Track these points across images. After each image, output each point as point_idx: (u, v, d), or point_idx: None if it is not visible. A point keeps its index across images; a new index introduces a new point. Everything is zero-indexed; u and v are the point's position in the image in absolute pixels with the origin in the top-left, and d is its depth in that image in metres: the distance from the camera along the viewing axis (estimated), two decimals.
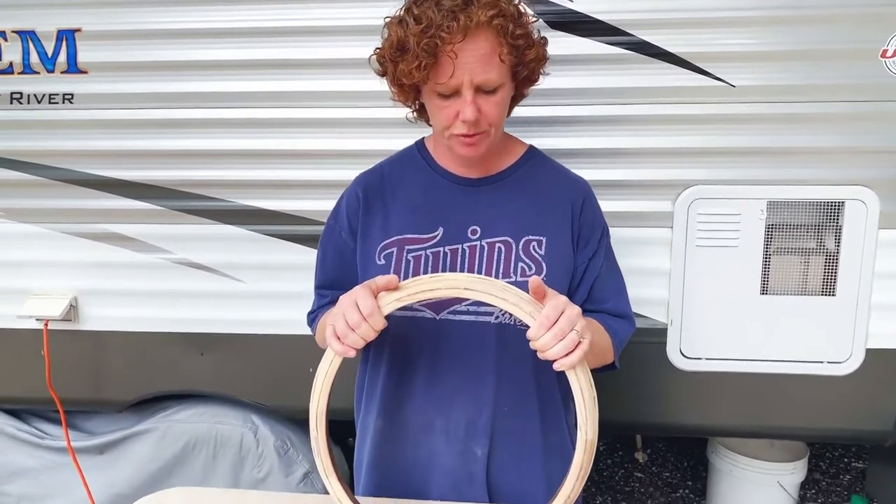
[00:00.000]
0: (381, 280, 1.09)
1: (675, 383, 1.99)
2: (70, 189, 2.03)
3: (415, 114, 1.30)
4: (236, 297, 2.06)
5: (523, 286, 1.14)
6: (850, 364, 1.92)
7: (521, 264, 1.24)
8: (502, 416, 1.27)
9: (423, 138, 1.35)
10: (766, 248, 1.89)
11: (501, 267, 1.24)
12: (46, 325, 2.08)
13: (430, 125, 1.27)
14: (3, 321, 2.13)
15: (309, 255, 1.98)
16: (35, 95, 1.99)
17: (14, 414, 2.29)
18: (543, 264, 1.25)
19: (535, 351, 1.22)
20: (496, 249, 1.25)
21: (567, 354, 1.02)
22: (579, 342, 1.02)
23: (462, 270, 1.25)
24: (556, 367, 1.04)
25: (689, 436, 2.23)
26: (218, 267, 2.05)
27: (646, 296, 1.93)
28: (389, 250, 1.27)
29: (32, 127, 2.01)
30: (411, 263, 1.25)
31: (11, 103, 1.99)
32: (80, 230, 2.06)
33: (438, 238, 1.26)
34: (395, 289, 1.09)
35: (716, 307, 1.93)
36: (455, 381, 1.26)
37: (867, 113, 1.80)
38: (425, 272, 1.24)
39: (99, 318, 2.12)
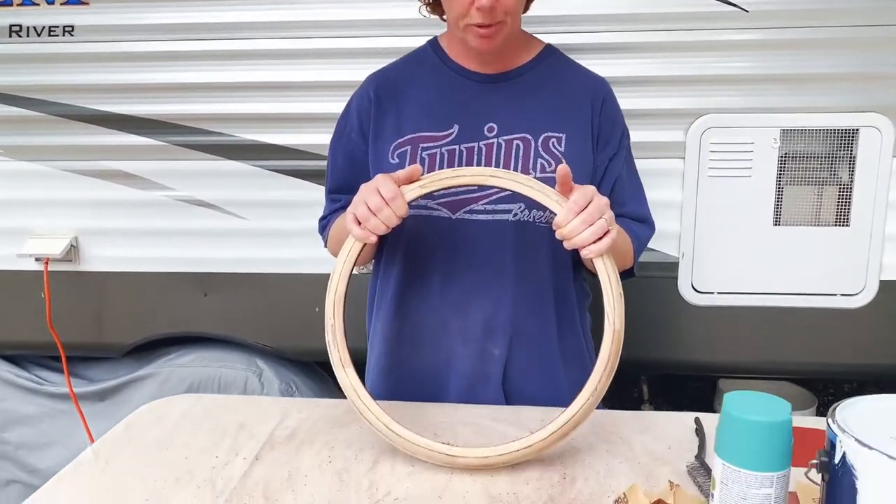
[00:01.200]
0: (402, 172, 1.08)
1: (686, 319, 1.96)
2: (71, 125, 1.99)
3: (428, 7, 1.26)
4: (240, 235, 2.03)
5: (544, 183, 1.11)
6: (864, 296, 1.90)
7: (540, 160, 1.21)
8: (520, 316, 1.24)
9: (437, 36, 1.32)
10: (780, 177, 1.86)
11: (520, 164, 1.21)
12: (47, 264, 2.04)
13: (444, 20, 1.24)
14: (2, 262, 2.09)
15: (314, 192, 1.95)
16: (34, 28, 1.95)
17: (12, 361, 2.25)
18: (564, 161, 1.21)
19: (555, 251, 1.21)
20: (514, 146, 1.22)
21: (595, 242, 1.01)
22: (608, 231, 1.02)
23: (481, 167, 1.22)
24: (584, 253, 1.03)
25: (700, 373, 2.20)
26: (221, 204, 2.02)
27: (657, 229, 1.89)
28: (403, 149, 1.24)
29: (32, 61, 1.97)
30: (426, 162, 1.22)
31: (10, 36, 1.95)
32: (80, 167, 2.02)
33: (454, 136, 1.23)
34: (417, 180, 1.08)
35: (728, 240, 1.90)
36: (472, 281, 1.23)
37: (883, 38, 1.77)
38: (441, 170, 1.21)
39: (100, 258, 2.08)
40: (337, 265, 1.09)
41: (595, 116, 1.25)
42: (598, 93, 1.27)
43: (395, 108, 1.26)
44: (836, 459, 0.68)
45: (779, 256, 1.89)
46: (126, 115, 1.97)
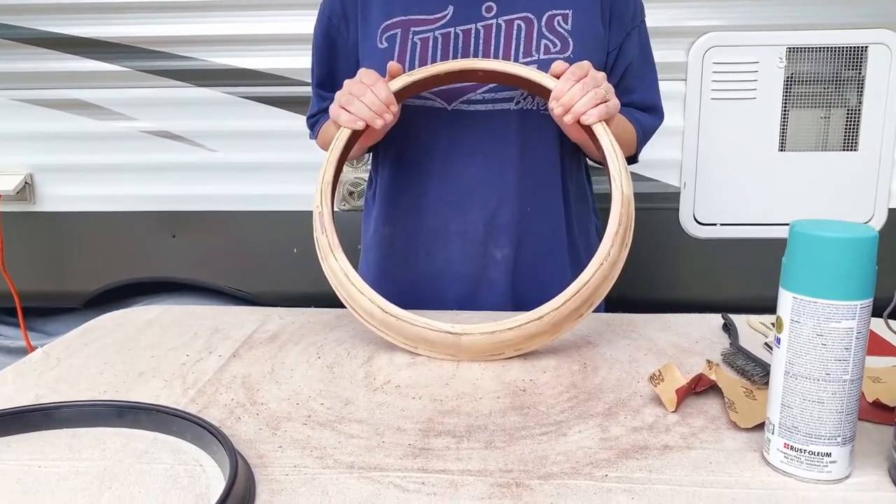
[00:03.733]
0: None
1: (688, 252, 1.86)
2: (22, 49, 1.82)
3: None
4: (210, 169, 1.88)
5: (547, 66, 1.02)
6: (873, 225, 1.81)
7: (544, 41, 1.09)
8: (526, 216, 1.12)
9: None
10: (785, 100, 1.76)
11: (522, 46, 1.09)
12: None
13: None
14: None
15: (291, 120, 1.82)
16: None
17: None
18: (570, 40, 1.09)
19: (562, 142, 1.10)
20: (515, 27, 1.10)
21: (595, 107, 0.95)
22: (606, 99, 0.97)
23: (476, 52, 1.10)
24: (585, 119, 0.96)
25: (703, 311, 2.10)
26: (189, 136, 1.87)
27: (656, 157, 1.79)
28: (392, 32, 1.11)
29: None
30: (418, 46, 1.10)
31: None
32: (34, 97, 1.86)
33: (448, 17, 1.11)
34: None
35: (732, 167, 1.80)
36: (472, 177, 1.11)
37: None
38: (434, 56, 1.10)
39: (57, 197, 1.92)
40: (327, 154, 0.99)
41: None
42: None
43: None
44: None
45: (785, 184, 1.80)
46: (83, 37, 1.81)
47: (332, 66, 1.18)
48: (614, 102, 0.99)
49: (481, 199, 1.12)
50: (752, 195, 1.81)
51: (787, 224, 1.97)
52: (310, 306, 1.15)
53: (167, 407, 0.71)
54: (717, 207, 1.83)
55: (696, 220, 1.84)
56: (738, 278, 1.86)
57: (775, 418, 0.63)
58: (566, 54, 1.08)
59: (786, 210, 1.81)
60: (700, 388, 0.79)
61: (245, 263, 1.93)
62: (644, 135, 1.19)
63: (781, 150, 1.78)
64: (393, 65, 1.03)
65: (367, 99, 0.98)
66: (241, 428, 0.72)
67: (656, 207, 1.82)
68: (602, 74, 0.98)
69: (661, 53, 1.76)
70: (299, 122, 1.65)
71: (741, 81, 1.76)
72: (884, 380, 0.80)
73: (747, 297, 1.90)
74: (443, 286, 1.14)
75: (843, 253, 0.59)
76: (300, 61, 1.78)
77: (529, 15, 1.10)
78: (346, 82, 1.01)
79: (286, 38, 1.78)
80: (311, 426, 0.72)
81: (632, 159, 1.21)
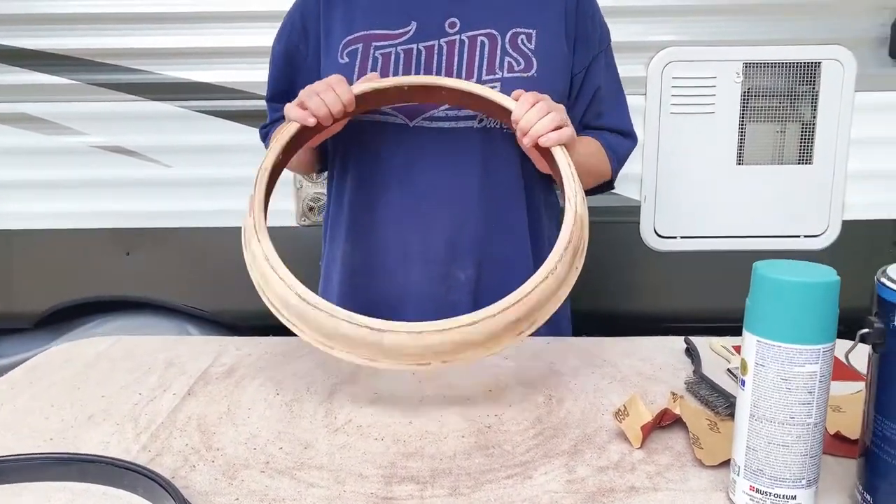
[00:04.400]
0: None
1: (649, 265, 1.87)
2: None
3: None
4: (165, 185, 1.83)
5: (510, 84, 1.02)
6: (827, 237, 1.84)
7: (507, 59, 1.08)
8: (489, 236, 1.10)
9: None
10: (742, 114, 1.79)
11: (485, 63, 1.08)
12: None
13: None
14: None
15: (247, 135, 1.77)
16: None
17: None
18: (534, 60, 1.08)
19: (524, 161, 1.10)
20: (478, 43, 1.09)
21: (554, 131, 0.95)
22: (566, 123, 0.97)
23: (440, 68, 1.09)
24: (543, 142, 0.95)
25: (665, 324, 2.12)
26: (142, 150, 1.82)
27: None
28: (354, 47, 1.09)
29: None
30: (379, 61, 1.08)
31: None
32: None
33: (412, 33, 1.09)
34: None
35: (692, 181, 1.82)
36: (433, 196, 1.09)
37: None
38: (395, 72, 1.08)
39: (4, 214, 1.85)
40: (271, 143, 0.97)
41: (570, 11, 1.12)
42: None
43: (346, 1, 1.11)
44: None
45: (742, 197, 1.82)
46: (29, 49, 1.75)
47: (290, 80, 1.16)
48: (572, 129, 0.98)
49: (443, 219, 1.10)
50: (712, 208, 1.83)
51: (746, 237, 1.99)
52: (268, 326, 1.11)
53: (117, 459, 0.68)
54: (677, 220, 1.84)
55: (656, 232, 1.85)
56: (698, 290, 1.88)
57: (741, 460, 0.63)
58: (530, 73, 1.07)
59: (744, 222, 1.84)
60: (665, 422, 0.79)
61: (202, 281, 1.89)
62: (619, 160, 1.19)
63: (739, 164, 1.81)
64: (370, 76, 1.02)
65: (329, 98, 0.96)
66: (195, 478, 0.69)
67: (617, 221, 1.83)
68: (560, 106, 0.98)
69: (622, 68, 1.76)
70: (256, 135, 1.60)
71: (699, 96, 1.78)
72: (844, 409, 0.80)
73: (707, 309, 1.92)
74: (404, 308, 1.12)
75: (806, 297, 0.59)
76: (256, 75, 1.73)
77: (493, 31, 1.09)
78: (311, 85, 0.99)
79: (242, 52, 1.75)
80: (269, 474, 0.70)
81: (608, 185, 1.21)
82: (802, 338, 0.59)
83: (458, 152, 1.09)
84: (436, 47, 1.09)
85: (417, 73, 1.08)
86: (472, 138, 1.09)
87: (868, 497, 0.61)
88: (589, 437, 0.78)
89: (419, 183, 1.09)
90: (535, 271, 1.14)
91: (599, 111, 1.17)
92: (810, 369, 0.59)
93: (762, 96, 1.78)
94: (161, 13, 1.74)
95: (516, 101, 0.97)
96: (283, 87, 1.16)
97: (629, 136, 1.21)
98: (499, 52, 1.08)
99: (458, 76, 1.07)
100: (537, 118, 0.94)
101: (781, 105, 1.79)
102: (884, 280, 0.59)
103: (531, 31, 1.10)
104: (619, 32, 1.74)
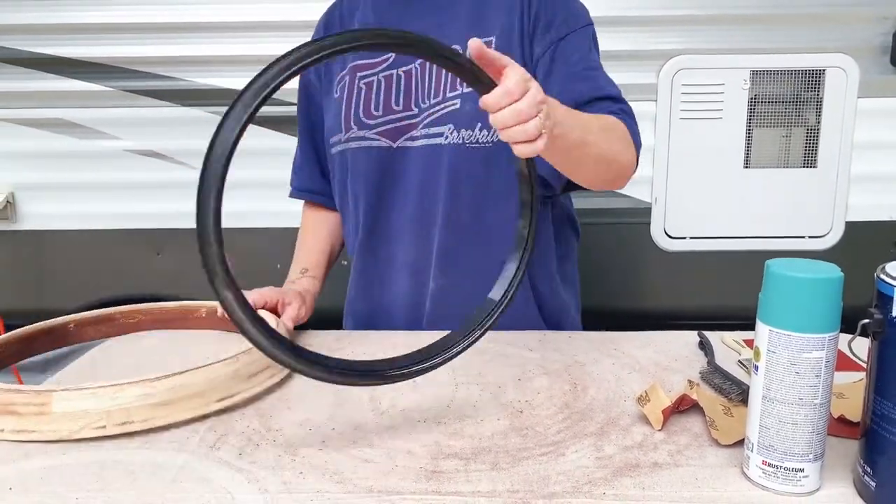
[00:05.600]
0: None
1: (660, 265, 1.94)
2: (6, 69, 1.83)
3: None
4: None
5: (471, 98, 1.08)
6: (831, 238, 1.92)
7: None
8: (457, 248, 1.18)
9: None
10: (750, 119, 1.86)
11: (450, 80, 1.14)
12: None
13: None
14: None
15: (275, 139, 1.85)
16: None
17: None
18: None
19: (488, 175, 1.15)
20: None
21: (527, 142, 0.79)
22: (541, 134, 0.79)
23: (418, 91, 1.16)
24: (516, 152, 0.80)
25: (675, 321, 2.19)
26: (173, 154, 1.89)
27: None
28: (343, 80, 1.21)
29: None
30: (363, 90, 1.18)
31: None
32: (17, 116, 1.87)
33: (391, 59, 1.18)
34: None
35: (701, 183, 1.89)
36: (412, 210, 1.20)
37: None
38: (377, 97, 1.17)
39: (39, 215, 1.93)
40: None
41: (525, 6, 1.12)
42: None
43: None
44: (895, 312, 0.64)
45: (749, 199, 1.89)
46: (68, 57, 1.82)
47: (309, 118, 1.30)
48: (544, 141, 0.79)
49: (419, 232, 1.19)
50: (720, 209, 1.90)
51: (753, 238, 2.07)
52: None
53: None
54: (686, 222, 1.91)
55: (666, 233, 1.92)
56: (708, 289, 1.95)
57: (754, 437, 0.70)
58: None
59: (751, 224, 1.91)
60: (683, 406, 0.86)
61: None
62: (633, 135, 1.10)
63: (746, 167, 1.88)
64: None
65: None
66: (260, 455, 0.77)
67: (629, 222, 1.90)
68: (541, 97, 0.79)
69: (633, 75, 1.87)
70: (283, 140, 1.69)
71: (708, 102, 1.85)
72: (847, 395, 0.88)
73: (716, 307, 2.00)
74: (393, 317, 1.24)
75: (813, 292, 0.66)
76: None
77: (457, 46, 1.14)
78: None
79: (268, 60, 1.81)
80: (326, 451, 0.77)
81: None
82: (810, 327, 0.66)
83: (430, 169, 1.17)
84: (413, 71, 1.16)
85: (398, 96, 1.16)
86: (441, 154, 1.15)
87: (868, 469, 0.68)
88: (613, 420, 0.85)
89: (400, 199, 1.20)
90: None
91: (577, 87, 1.09)
92: (817, 355, 0.67)
93: (768, 102, 1.85)
94: (191, 23, 1.81)
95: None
96: (307, 123, 1.32)
97: (617, 101, 1.11)
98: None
99: (435, 97, 1.14)
100: (511, 122, 0.77)
101: (787, 111, 1.86)
102: (883, 276, 0.66)
103: (491, 37, 1.13)
104: (631, 41, 1.83)
